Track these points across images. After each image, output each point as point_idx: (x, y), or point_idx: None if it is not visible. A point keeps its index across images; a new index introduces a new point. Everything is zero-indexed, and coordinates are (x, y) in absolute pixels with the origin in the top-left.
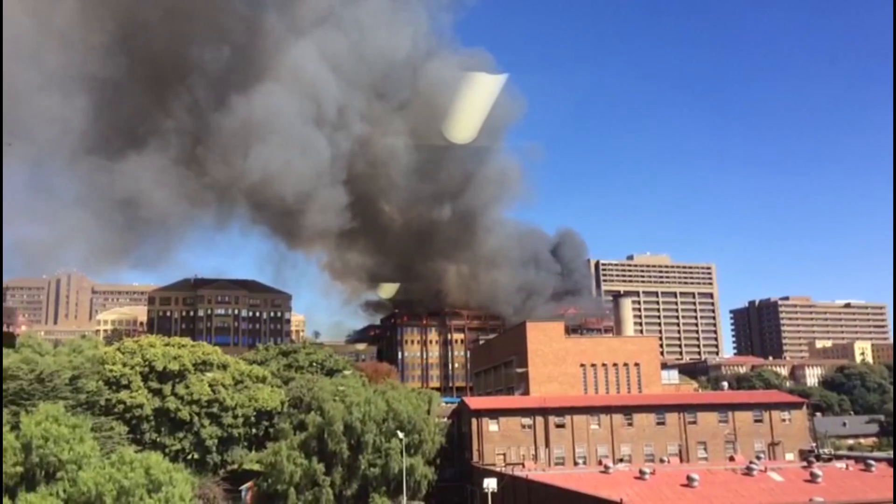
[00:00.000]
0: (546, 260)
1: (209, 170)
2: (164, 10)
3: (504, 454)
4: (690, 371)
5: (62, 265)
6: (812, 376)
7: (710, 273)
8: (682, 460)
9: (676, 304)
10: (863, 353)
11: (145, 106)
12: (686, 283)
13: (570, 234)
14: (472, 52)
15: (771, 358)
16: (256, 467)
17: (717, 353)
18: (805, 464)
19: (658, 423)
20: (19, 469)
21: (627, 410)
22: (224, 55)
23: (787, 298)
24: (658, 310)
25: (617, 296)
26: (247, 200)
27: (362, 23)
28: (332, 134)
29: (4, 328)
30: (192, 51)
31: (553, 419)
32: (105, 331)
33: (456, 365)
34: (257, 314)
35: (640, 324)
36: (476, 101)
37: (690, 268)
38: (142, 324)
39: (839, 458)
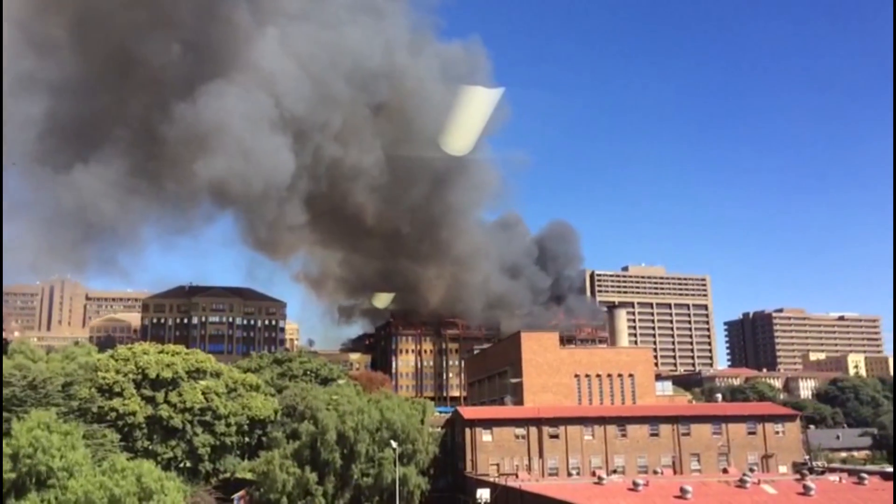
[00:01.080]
0: (529, 268)
1: (161, 178)
2: (118, 4)
3: (498, 464)
4: (684, 382)
5: (10, 271)
6: (806, 389)
7: (704, 285)
8: (675, 472)
9: (671, 315)
10: (856, 366)
11: (98, 109)
12: (681, 294)
13: (561, 227)
14: (457, 55)
15: (765, 370)
16: (249, 476)
17: (711, 365)
18: (798, 476)
19: (652, 435)
20: (9, 476)
21: (621, 421)
22: (176, 53)
23: (781, 310)
24: (653, 321)
25: (611, 307)
26: (203, 208)
27: (337, 20)
28: (297, 139)
29: None
30: (145, 48)
31: (547, 429)
32: (98, 337)
33: (450, 374)
34: (252, 322)
35: (635, 335)
36: (471, 113)
37: (685, 279)
38: (135, 331)
39: (832, 470)
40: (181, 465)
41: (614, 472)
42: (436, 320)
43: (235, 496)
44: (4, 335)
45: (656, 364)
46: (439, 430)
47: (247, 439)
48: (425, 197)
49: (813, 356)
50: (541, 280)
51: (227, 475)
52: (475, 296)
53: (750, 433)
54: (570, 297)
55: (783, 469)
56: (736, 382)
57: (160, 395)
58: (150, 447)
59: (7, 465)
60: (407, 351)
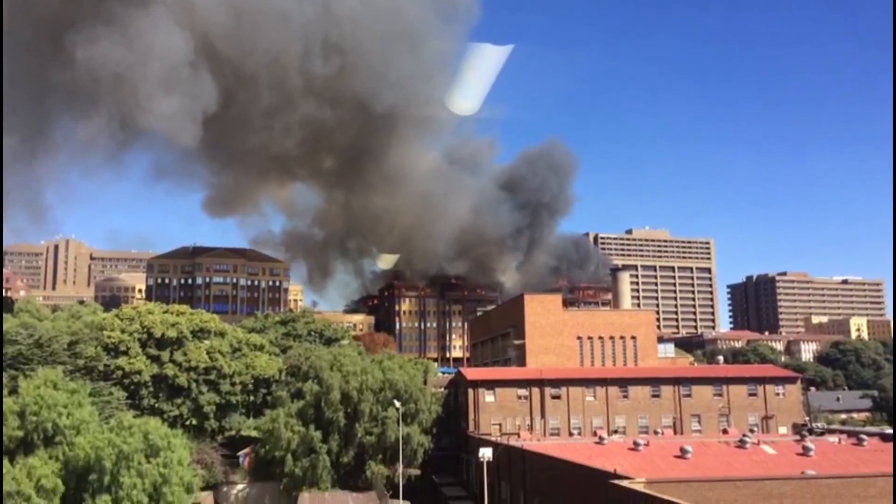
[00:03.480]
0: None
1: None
2: None
3: (500, 424)
4: (687, 345)
5: None
6: (807, 351)
7: (708, 248)
8: (676, 432)
9: (674, 278)
10: (858, 329)
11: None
12: (684, 257)
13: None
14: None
15: (767, 333)
16: (254, 434)
17: (713, 328)
18: (798, 437)
19: (653, 396)
20: (18, 433)
21: (623, 383)
22: None
23: (784, 274)
24: (656, 284)
25: (615, 269)
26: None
27: None
28: (222, 82)
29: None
30: None
31: (549, 390)
32: (103, 297)
33: (453, 336)
34: (255, 283)
35: (638, 297)
36: (477, 71)
37: (689, 242)
38: (140, 290)
39: (832, 432)
40: (187, 422)
41: (615, 432)
42: (439, 282)
43: (241, 453)
44: (10, 294)
45: (659, 326)
46: (442, 390)
47: (252, 398)
48: (383, 145)
49: (815, 319)
50: (514, 215)
51: (233, 433)
52: (442, 240)
53: (751, 395)
54: (551, 232)
55: (783, 430)
56: (738, 345)
57: (165, 354)
58: (156, 405)
59: (14, 422)
60: (410, 312)
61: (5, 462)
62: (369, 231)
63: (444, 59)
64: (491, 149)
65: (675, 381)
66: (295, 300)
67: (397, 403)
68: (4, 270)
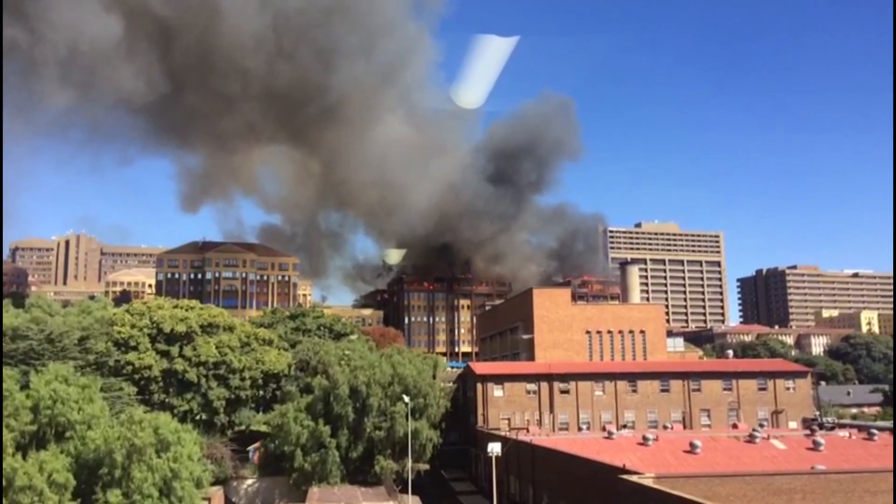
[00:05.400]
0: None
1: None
2: None
3: (509, 419)
4: (696, 339)
5: None
6: (818, 345)
7: (717, 241)
8: (685, 427)
9: (683, 272)
10: (869, 323)
11: None
12: (693, 251)
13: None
14: None
15: (777, 327)
16: (264, 429)
17: (723, 322)
18: (808, 432)
19: (662, 391)
20: (30, 428)
21: (632, 377)
22: None
23: (794, 267)
24: (665, 278)
25: (624, 263)
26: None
27: None
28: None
29: (14, 288)
30: None
31: (558, 385)
32: (114, 292)
33: (462, 330)
34: (265, 277)
35: (647, 291)
36: (483, 63)
37: (698, 236)
38: (150, 286)
39: (842, 426)
40: (197, 417)
41: (624, 426)
42: (448, 276)
43: (251, 448)
44: (22, 289)
45: (668, 320)
46: (451, 384)
47: (261, 393)
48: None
49: (826, 313)
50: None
51: (243, 428)
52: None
53: (760, 389)
54: (534, 205)
55: (793, 425)
56: (747, 339)
57: (175, 350)
58: (167, 400)
59: (27, 417)
60: (419, 307)
61: (17, 457)
62: (347, 206)
63: (408, 50)
64: (471, 121)
65: (685, 376)
66: (304, 295)
67: (406, 398)
68: (17, 265)
